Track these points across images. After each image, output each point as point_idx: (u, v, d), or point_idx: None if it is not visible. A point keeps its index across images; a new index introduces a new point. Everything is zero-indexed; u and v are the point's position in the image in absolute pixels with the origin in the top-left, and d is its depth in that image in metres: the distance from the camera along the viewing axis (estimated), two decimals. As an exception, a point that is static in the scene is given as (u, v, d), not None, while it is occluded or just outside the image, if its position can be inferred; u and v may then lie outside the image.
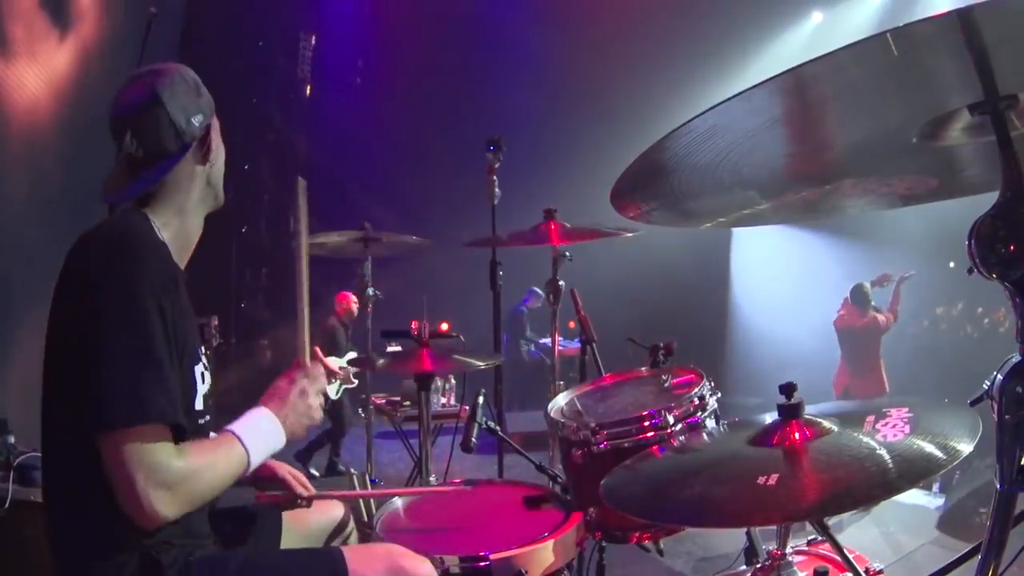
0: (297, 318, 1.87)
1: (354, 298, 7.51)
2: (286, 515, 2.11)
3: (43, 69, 5.64)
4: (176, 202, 1.76)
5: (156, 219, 1.72)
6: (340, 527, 2.23)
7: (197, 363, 1.73)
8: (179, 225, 1.77)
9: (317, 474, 7.01)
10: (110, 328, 1.51)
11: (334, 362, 7.18)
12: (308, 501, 2.11)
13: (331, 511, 2.23)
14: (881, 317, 7.42)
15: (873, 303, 7.51)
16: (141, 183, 1.72)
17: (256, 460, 1.69)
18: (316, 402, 1.85)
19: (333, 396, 7.21)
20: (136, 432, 1.48)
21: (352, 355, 7.35)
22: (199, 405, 1.72)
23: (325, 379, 1.90)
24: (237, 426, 1.71)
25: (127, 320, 1.52)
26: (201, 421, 1.75)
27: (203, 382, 1.75)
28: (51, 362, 1.63)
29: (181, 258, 1.79)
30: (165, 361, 1.55)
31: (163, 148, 1.71)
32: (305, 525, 2.15)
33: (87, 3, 6.31)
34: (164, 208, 1.75)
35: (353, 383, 7.30)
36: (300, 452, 7.14)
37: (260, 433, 1.73)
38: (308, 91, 11.95)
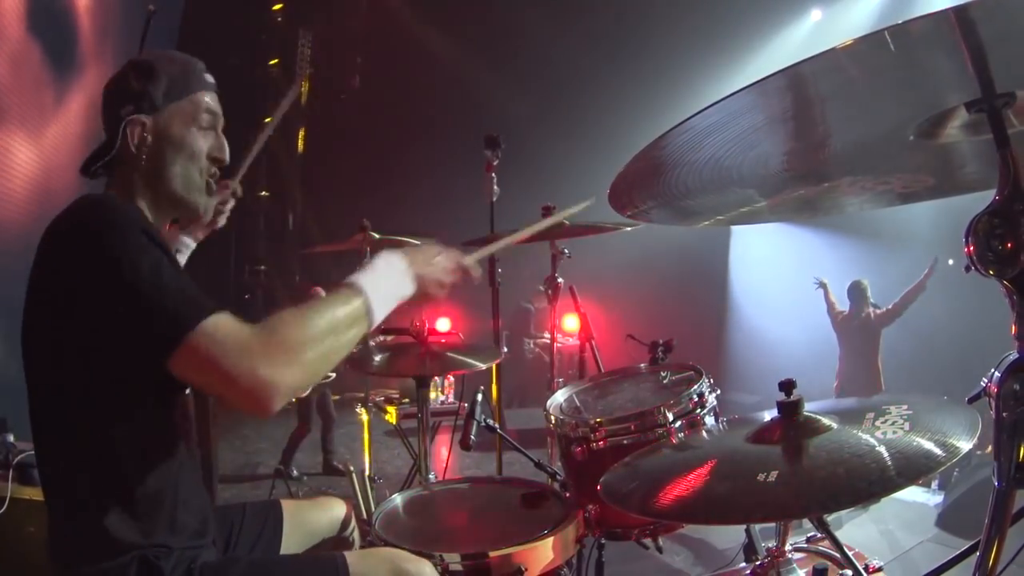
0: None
1: (322, 292, 7.43)
2: (287, 514, 2.12)
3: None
4: (122, 190, 1.73)
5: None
6: (342, 526, 2.23)
7: None
8: None
9: (296, 473, 6.90)
10: (131, 265, 1.43)
11: None
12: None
13: (332, 509, 2.23)
14: (876, 312, 7.39)
15: (872, 300, 7.48)
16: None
17: (380, 310, 1.57)
18: (450, 279, 1.76)
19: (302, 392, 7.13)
20: (208, 323, 1.40)
21: None
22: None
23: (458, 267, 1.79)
24: (359, 274, 1.60)
25: (142, 253, 1.45)
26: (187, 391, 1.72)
27: None
28: (45, 343, 1.57)
29: None
30: (182, 273, 1.51)
31: (106, 130, 1.73)
32: (306, 524, 2.15)
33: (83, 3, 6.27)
34: (114, 191, 1.73)
35: (329, 377, 7.22)
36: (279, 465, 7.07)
37: (381, 275, 1.62)
38: (307, 89, 11.94)
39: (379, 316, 1.58)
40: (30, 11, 5.15)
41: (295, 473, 6.90)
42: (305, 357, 1.44)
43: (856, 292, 7.51)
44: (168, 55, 1.78)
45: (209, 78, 1.81)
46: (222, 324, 1.42)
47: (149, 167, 1.72)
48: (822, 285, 7.85)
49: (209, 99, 1.79)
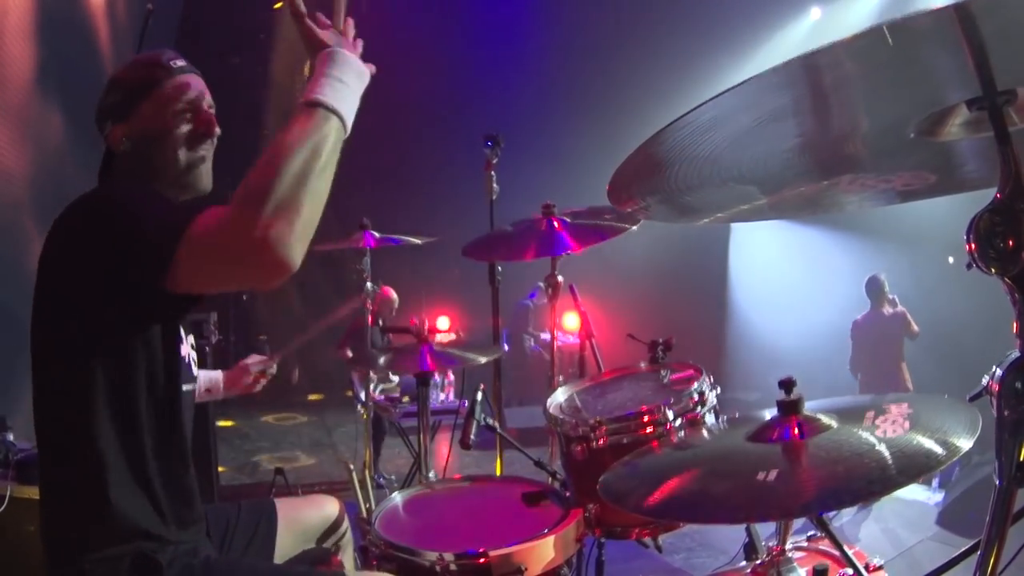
0: None
1: (393, 296, 7.37)
2: (281, 512, 2.13)
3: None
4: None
5: None
6: (335, 525, 2.25)
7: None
8: None
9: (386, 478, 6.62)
10: (117, 212, 1.55)
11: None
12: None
13: (325, 509, 2.25)
14: (915, 325, 7.16)
15: (891, 296, 7.33)
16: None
17: (350, 111, 1.55)
18: None
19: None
20: (196, 222, 1.44)
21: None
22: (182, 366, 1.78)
23: None
24: (309, 91, 1.54)
25: (130, 203, 1.57)
26: (189, 387, 1.81)
27: (184, 342, 1.83)
28: (44, 334, 1.64)
29: None
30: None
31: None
32: (300, 523, 2.17)
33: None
34: None
35: (392, 380, 7.13)
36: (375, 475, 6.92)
37: (341, 78, 1.56)
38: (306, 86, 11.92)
39: (351, 119, 1.56)
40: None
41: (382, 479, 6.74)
42: (300, 210, 1.41)
43: (873, 287, 7.34)
44: (133, 61, 1.88)
45: (176, 63, 1.83)
46: (202, 218, 1.44)
47: (142, 165, 1.78)
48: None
49: (176, 84, 1.80)
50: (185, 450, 1.73)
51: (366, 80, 1.62)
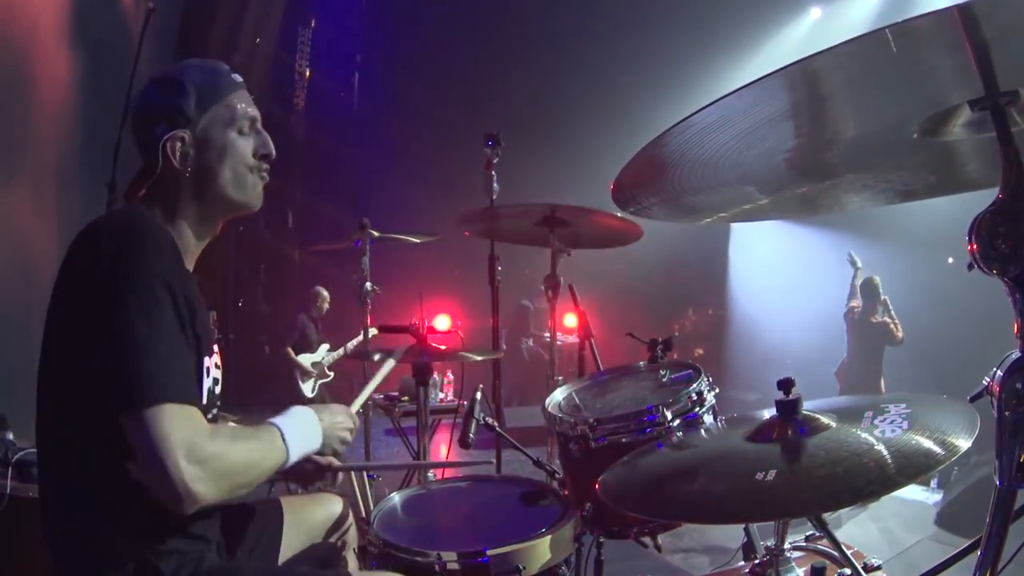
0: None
1: (324, 293, 7.55)
2: (286, 511, 2.12)
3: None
4: (165, 206, 1.72)
5: (155, 216, 1.69)
6: (339, 522, 2.24)
7: (208, 356, 1.70)
8: (173, 228, 1.71)
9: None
10: (126, 313, 1.45)
11: (307, 359, 7.20)
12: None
13: (330, 506, 2.24)
14: (899, 332, 7.36)
15: (883, 297, 7.45)
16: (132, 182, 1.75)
17: (294, 456, 1.67)
18: (349, 436, 1.89)
19: (310, 394, 7.20)
20: (166, 410, 1.43)
21: (325, 347, 7.36)
22: (204, 400, 1.68)
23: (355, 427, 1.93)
24: (280, 419, 1.70)
25: (143, 304, 1.47)
26: (208, 416, 1.73)
27: (208, 376, 1.71)
28: (53, 354, 1.59)
29: (185, 259, 1.72)
30: (182, 344, 1.53)
31: (143, 153, 1.72)
32: (306, 521, 2.16)
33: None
34: (156, 208, 1.71)
35: (328, 376, 7.31)
36: None
37: (302, 430, 1.73)
38: (307, 85, 11.94)
39: (292, 460, 1.68)
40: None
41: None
42: (229, 485, 1.51)
43: (868, 289, 7.48)
44: (189, 64, 1.76)
45: (237, 78, 1.79)
46: (192, 423, 1.46)
47: (195, 179, 1.72)
48: (852, 263, 7.71)
49: (243, 100, 1.78)
50: None
51: (316, 446, 1.79)
